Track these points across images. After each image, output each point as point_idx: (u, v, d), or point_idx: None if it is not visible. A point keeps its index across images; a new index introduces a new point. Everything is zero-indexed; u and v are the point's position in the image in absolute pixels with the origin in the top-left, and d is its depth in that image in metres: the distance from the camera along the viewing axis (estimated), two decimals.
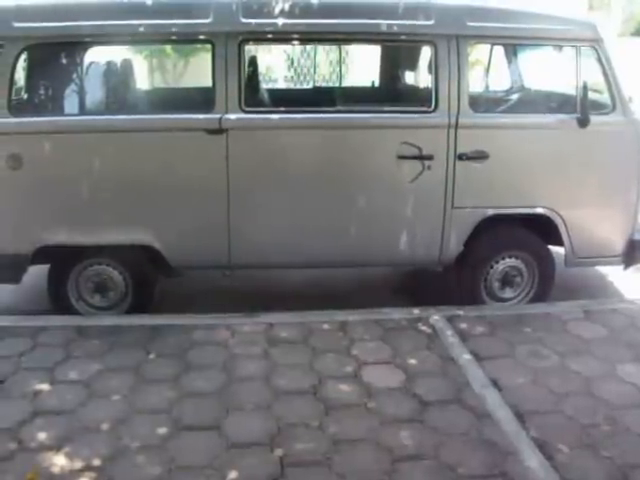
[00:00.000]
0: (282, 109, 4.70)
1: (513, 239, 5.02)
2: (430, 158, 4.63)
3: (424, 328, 4.57)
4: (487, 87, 5.55)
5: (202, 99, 4.69)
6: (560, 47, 4.92)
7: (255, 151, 4.59)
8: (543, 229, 4.97)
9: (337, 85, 4.98)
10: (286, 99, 4.96)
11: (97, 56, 5.01)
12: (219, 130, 4.49)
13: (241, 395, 3.75)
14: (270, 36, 4.76)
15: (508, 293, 5.10)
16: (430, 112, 4.64)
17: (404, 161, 4.63)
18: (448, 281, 5.20)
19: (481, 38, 4.77)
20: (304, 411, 3.61)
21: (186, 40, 5.26)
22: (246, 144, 4.55)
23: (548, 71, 5.41)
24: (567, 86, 5.00)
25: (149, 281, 4.88)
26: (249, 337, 4.41)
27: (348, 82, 5.45)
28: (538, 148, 4.76)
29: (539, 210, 4.83)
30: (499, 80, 5.61)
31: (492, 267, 4.99)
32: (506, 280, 5.04)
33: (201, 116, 4.54)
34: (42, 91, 4.88)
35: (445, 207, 4.73)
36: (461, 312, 4.79)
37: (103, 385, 3.84)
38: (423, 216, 4.76)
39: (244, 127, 4.54)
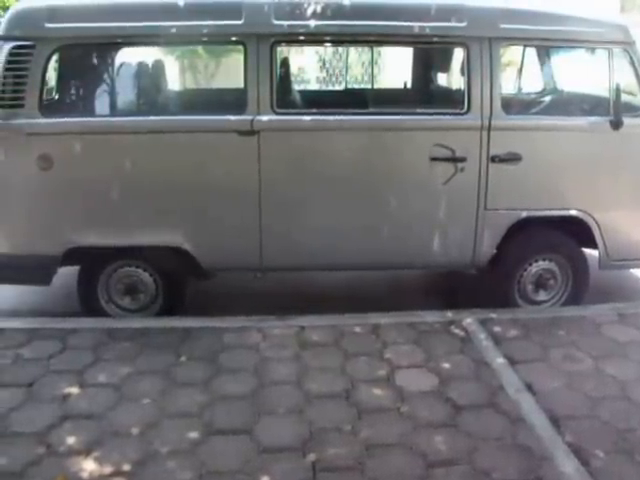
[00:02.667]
0: (314, 111, 4.65)
1: (546, 241, 4.91)
2: (463, 160, 4.55)
3: (457, 331, 4.48)
4: (520, 89, 5.46)
5: (234, 100, 4.65)
6: (592, 49, 4.84)
7: (287, 153, 4.55)
8: (577, 231, 4.87)
9: (369, 87, 4.91)
10: (318, 101, 4.92)
11: (128, 57, 5.00)
12: (251, 132, 4.44)
13: (273, 399, 3.68)
14: (302, 38, 4.71)
15: (542, 296, 5.00)
16: (463, 114, 4.56)
17: (437, 163, 4.55)
18: (481, 284, 5.11)
19: (513, 40, 4.70)
20: (336, 415, 3.54)
21: (218, 41, 5.18)
22: (278, 146, 4.51)
23: (580, 73, 5.30)
24: (599, 88, 4.91)
25: (180, 283, 4.84)
26: (280, 340, 4.35)
27: (380, 84, 5.37)
28: (571, 150, 4.67)
29: (572, 212, 4.73)
30: (532, 82, 5.51)
31: (525, 270, 4.89)
32: (540, 283, 4.95)
33: (233, 117, 4.50)
34: (73, 92, 4.90)
35: (478, 209, 4.65)
36: (494, 315, 4.69)
37: (133, 388, 3.79)
38: (456, 218, 4.68)
39: (276, 128, 4.49)
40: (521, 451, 3.26)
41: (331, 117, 4.60)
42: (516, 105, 5.08)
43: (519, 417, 3.53)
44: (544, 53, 5.51)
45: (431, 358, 4.13)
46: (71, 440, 3.32)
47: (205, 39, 4.86)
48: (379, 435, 3.38)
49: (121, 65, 4.90)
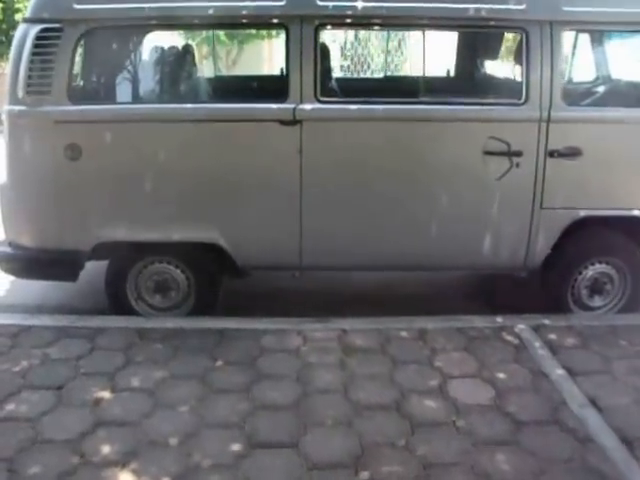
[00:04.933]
0: (360, 99, 4.35)
1: (605, 243, 4.63)
2: (519, 154, 4.27)
3: (510, 338, 4.22)
4: (580, 78, 5.15)
5: (274, 88, 4.40)
6: None
7: (331, 144, 4.28)
8: (636, 232, 4.60)
9: (419, 74, 4.61)
10: (363, 89, 4.64)
11: (160, 41, 4.76)
12: (293, 121, 4.18)
13: (319, 409, 3.44)
14: (348, 20, 4.43)
15: (597, 301, 4.71)
16: (520, 105, 4.27)
17: (491, 157, 4.27)
18: (528, 287, 4.83)
19: (577, 24, 4.38)
20: (388, 429, 3.29)
21: (258, 24, 4.94)
22: (321, 136, 4.24)
23: None
24: None
25: (214, 281, 4.59)
26: (322, 344, 4.10)
27: (431, 71, 5.04)
28: (634, 144, 4.37)
29: (635, 212, 4.44)
30: (593, 70, 5.20)
31: (581, 273, 4.61)
32: (595, 287, 4.66)
33: (274, 106, 4.23)
34: (103, 77, 4.64)
35: (533, 207, 4.37)
36: (548, 321, 4.42)
37: (169, 394, 3.56)
38: (509, 217, 4.40)
39: (320, 118, 4.23)
40: (594, 475, 3.00)
41: (379, 107, 4.32)
42: (577, 95, 4.77)
43: (587, 436, 3.27)
44: (608, 38, 5.19)
45: (484, 367, 3.87)
46: (106, 449, 3.11)
47: (244, 21, 4.56)
48: (436, 452, 3.13)
49: (154, 49, 4.66)
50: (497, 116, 4.30)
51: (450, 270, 4.95)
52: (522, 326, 4.35)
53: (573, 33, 4.48)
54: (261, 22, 4.71)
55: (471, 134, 4.28)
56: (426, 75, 4.63)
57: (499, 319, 4.45)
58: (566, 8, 4.21)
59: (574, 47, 4.80)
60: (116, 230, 4.34)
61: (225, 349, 4.03)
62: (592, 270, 4.61)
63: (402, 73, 6.02)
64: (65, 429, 3.25)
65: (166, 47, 4.76)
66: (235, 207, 4.34)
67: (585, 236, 4.54)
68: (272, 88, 4.46)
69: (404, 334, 4.24)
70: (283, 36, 4.22)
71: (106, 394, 3.55)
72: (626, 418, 3.42)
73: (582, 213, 4.41)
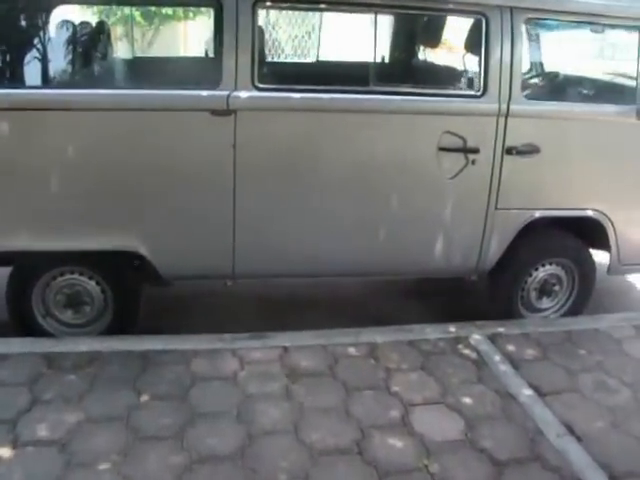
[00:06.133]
0: (304, 87, 3.48)
1: (557, 244, 3.99)
2: (475, 151, 3.55)
3: (467, 352, 3.53)
4: (539, 70, 4.43)
5: (205, 72, 3.50)
6: (626, 28, 3.85)
7: (269, 138, 3.41)
8: (586, 232, 3.99)
9: (368, 61, 3.76)
10: (307, 75, 3.74)
11: (70, 16, 3.71)
12: (226, 111, 3.29)
13: (267, 458, 2.63)
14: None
15: (545, 303, 4.09)
16: (478, 97, 3.55)
17: (445, 154, 3.53)
18: (479, 290, 4.17)
19: (539, 12, 3.59)
20: None
21: (189, 1, 3.92)
22: (259, 129, 3.38)
23: (607, 55, 4.33)
24: (628, 73, 3.96)
25: (133, 293, 3.67)
26: (263, 367, 3.28)
27: (381, 58, 4.18)
28: (593, 142, 3.73)
29: (589, 213, 3.82)
30: (553, 63, 4.48)
31: (531, 275, 3.97)
32: (544, 289, 4.04)
33: (204, 93, 3.33)
34: None
35: (488, 208, 3.67)
36: (503, 329, 3.77)
37: (85, 447, 2.65)
38: (462, 218, 3.69)
39: (257, 108, 3.36)
40: None
41: (326, 96, 3.47)
42: (536, 89, 4.08)
43: (574, 475, 2.63)
44: (569, 29, 4.44)
45: (447, 391, 3.17)
46: None
47: None
48: None
49: (59, 26, 3.62)
50: (454, 109, 3.56)
51: (400, 276, 4.18)
52: (477, 336, 3.68)
53: (534, 21, 3.72)
54: None
55: (426, 128, 3.52)
56: (377, 62, 3.80)
57: (452, 328, 3.75)
58: None
59: (534, 37, 4.07)
60: (15, 238, 3.36)
61: (151, 378, 3.16)
62: (543, 271, 3.98)
63: (351, 59, 5.05)
64: None
65: (73, 23, 3.73)
66: (157, 209, 3.44)
67: (537, 237, 3.89)
68: (202, 73, 3.55)
69: (352, 351, 3.48)
70: (214, 14, 3.31)
71: (5, 452, 2.61)
72: (608, 449, 2.82)
73: (537, 214, 3.76)
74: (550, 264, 3.99)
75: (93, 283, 3.55)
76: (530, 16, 3.57)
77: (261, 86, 3.36)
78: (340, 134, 3.48)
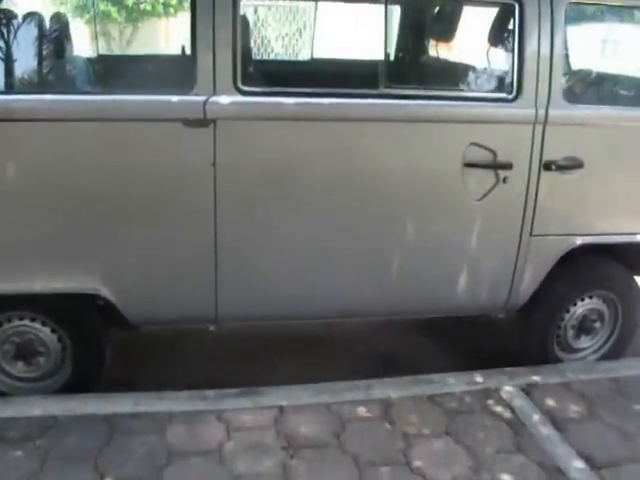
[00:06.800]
0: (300, 90, 2.83)
1: (601, 274, 3.38)
2: (507, 167, 2.93)
3: (499, 409, 2.90)
4: (582, 67, 3.77)
5: (176, 73, 2.86)
6: None
7: (257, 154, 2.77)
8: (630, 257, 3.39)
9: (376, 58, 3.13)
10: (304, 75, 3.10)
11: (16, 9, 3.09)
12: (203, 121, 2.66)
13: None
14: None
15: (583, 342, 3.47)
16: (510, 100, 2.92)
17: (472, 170, 2.91)
18: (507, 328, 3.56)
19: None
20: None
21: None
22: (244, 143, 2.74)
23: None
24: None
25: (96, 340, 2.99)
26: (254, 437, 2.63)
27: (391, 54, 3.49)
28: None
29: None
30: (596, 58, 3.85)
31: (568, 311, 3.36)
32: (583, 326, 3.42)
33: (174, 99, 2.69)
34: None
35: (522, 234, 3.05)
36: (538, 378, 3.15)
37: None
38: (491, 247, 3.07)
39: (242, 116, 2.73)
40: None
41: (325, 100, 2.82)
42: (580, 90, 3.42)
43: None
44: (619, 18, 3.83)
45: (480, 464, 2.54)
46: None
47: None
48: None
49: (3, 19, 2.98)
50: (481, 116, 2.92)
51: (412, 316, 3.53)
52: (510, 388, 3.05)
53: (578, 7, 3.12)
54: None
55: (448, 140, 2.89)
56: (388, 59, 3.16)
57: (479, 378, 3.12)
58: None
59: (577, 27, 3.45)
60: None
61: (116, 453, 2.51)
62: (582, 306, 3.37)
63: (356, 56, 4.28)
64: None
65: (19, 15, 3.09)
66: (123, 244, 2.79)
67: (578, 266, 3.27)
68: (172, 74, 2.90)
69: (363, 411, 2.83)
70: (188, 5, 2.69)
71: None
72: None
73: (579, 241, 3.14)
74: (590, 297, 3.37)
75: (47, 330, 2.91)
76: (574, 0, 2.97)
77: (246, 89, 2.72)
78: (344, 148, 2.84)
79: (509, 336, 3.54)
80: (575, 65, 3.32)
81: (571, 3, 2.93)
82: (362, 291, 3.07)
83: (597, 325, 3.45)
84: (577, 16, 3.19)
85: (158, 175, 2.74)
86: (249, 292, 2.96)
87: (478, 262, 3.09)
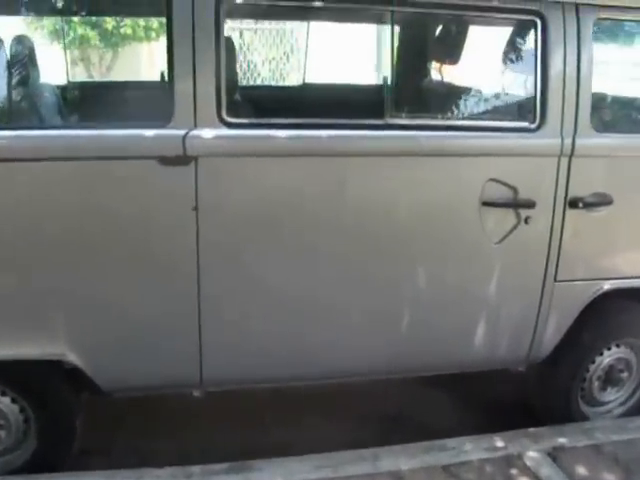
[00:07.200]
0: (293, 122, 2.48)
1: (629, 320, 3.02)
2: (530, 206, 2.59)
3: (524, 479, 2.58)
4: (611, 92, 3.45)
5: (152, 103, 2.50)
6: None
7: (245, 196, 2.40)
8: None
9: (378, 83, 2.78)
10: (298, 104, 2.74)
11: None
12: (182, 158, 2.30)
13: None
14: (264, 6, 2.63)
15: (609, 395, 3.12)
16: (533, 130, 2.59)
17: (490, 210, 2.57)
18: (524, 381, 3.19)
19: (615, 11, 2.61)
20: None
21: (129, 12, 2.94)
22: (230, 183, 2.38)
23: None
24: None
25: (64, 409, 2.59)
26: None
27: (395, 79, 3.09)
28: None
29: None
30: (625, 81, 3.50)
31: (594, 361, 3.01)
32: (609, 377, 3.07)
33: (148, 133, 2.33)
34: None
35: (545, 280, 2.71)
36: (565, 440, 2.78)
37: None
38: (512, 295, 2.72)
39: (227, 152, 2.37)
40: None
41: (323, 133, 2.46)
42: (609, 117, 3.02)
43: None
44: None
45: None
46: None
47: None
48: None
49: None
50: (501, 148, 2.58)
51: (423, 373, 3.13)
52: (534, 454, 2.68)
53: (607, 24, 2.79)
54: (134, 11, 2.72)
55: (463, 175, 2.55)
56: (394, 85, 2.81)
57: (499, 442, 2.74)
58: None
59: (606, 45, 3.11)
60: None
61: None
62: (609, 356, 3.02)
63: (357, 81, 3.90)
64: None
65: None
66: (91, 301, 2.41)
67: (606, 313, 2.92)
68: (147, 103, 2.54)
69: None
70: (166, 22, 2.33)
71: None
72: None
73: (607, 285, 2.80)
74: (617, 346, 3.03)
75: (7, 401, 2.51)
76: (603, 15, 2.62)
77: (231, 121, 2.36)
78: (344, 187, 2.48)
79: (527, 387, 3.20)
80: (604, 89, 3.00)
81: (600, 18, 2.61)
82: (367, 348, 2.69)
83: (624, 375, 3.09)
84: (607, 33, 2.86)
85: (132, 222, 2.37)
86: (237, 352, 2.58)
87: (497, 312, 2.74)
